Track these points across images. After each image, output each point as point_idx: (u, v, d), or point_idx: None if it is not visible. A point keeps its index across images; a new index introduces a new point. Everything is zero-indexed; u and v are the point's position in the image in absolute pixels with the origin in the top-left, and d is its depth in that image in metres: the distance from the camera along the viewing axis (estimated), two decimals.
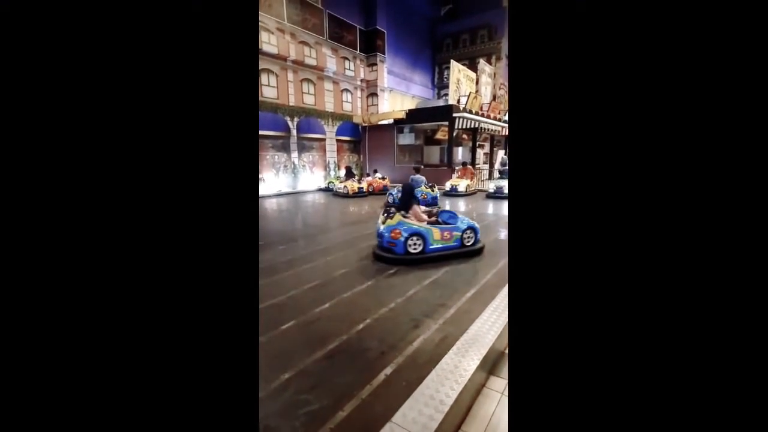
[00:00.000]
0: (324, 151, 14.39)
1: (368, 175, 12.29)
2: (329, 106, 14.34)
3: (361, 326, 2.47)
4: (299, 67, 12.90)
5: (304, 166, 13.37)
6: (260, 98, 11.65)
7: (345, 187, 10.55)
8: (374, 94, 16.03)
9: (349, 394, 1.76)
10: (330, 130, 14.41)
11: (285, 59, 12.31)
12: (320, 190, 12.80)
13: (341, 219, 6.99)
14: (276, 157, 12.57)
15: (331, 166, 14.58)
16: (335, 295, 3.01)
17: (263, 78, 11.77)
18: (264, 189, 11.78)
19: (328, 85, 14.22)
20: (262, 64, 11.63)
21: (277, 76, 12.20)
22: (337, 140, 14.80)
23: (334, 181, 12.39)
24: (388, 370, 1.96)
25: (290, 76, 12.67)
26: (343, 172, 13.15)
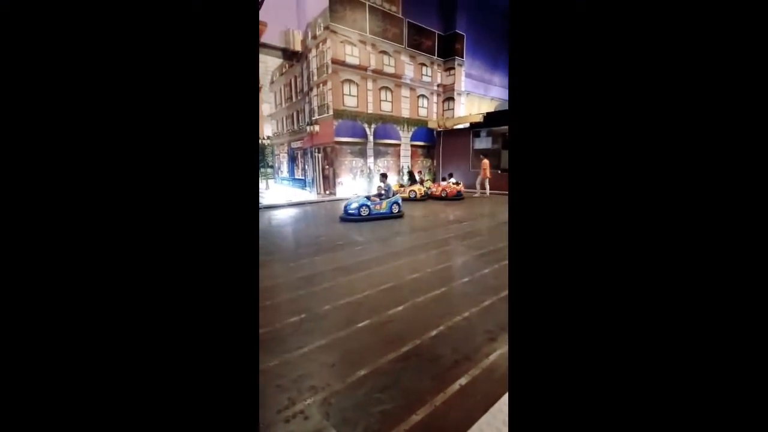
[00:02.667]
0: (398, 156, 14.66)
1: (444, 179, 12.15)
2: (405, 112, 14.57)
3: (434, 332, 2.44)
4: (378, 75, 13.39)
5: (379, 170, 13.78)
6: (342, 107, 12.40)
7: (414, 192, 10.64)
8: (450, 99, 15.83)
9: (422, 399, 1.75)
10: (405, 136, 14.64)
11: (365, 69, 12.90)
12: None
13: (411, 224, 7.02)
14: (354, 162, 13.21)
15: (404, 171, 14.78)
16: (408, 299, 3.03)
17: (345, 88, 12.49)
18: (341, 192, 12.46)
19: (405, 92, 14.48)
20: (344, 76, 12.38)
21: (357, 85, 12.84)
22: (412, 145, 14.95)
23: (406, 185, 12.54)
24: (462, 381, 1.90)
25: (369, 85, 13.23)
26: (406, 178, 13.20)
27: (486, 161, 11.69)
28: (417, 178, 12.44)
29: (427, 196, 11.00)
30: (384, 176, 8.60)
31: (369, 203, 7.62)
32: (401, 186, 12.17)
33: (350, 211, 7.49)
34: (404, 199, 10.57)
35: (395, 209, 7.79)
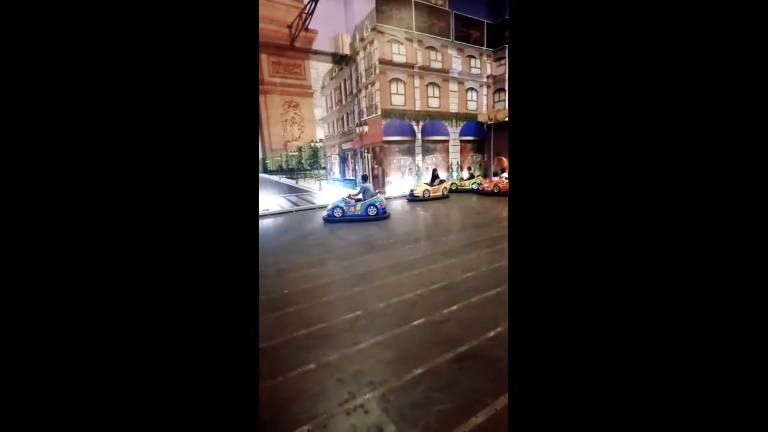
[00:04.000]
0: (447, 152, 14.39)
1: (495, 174, 11.69)
2: (453, 107, 14.25)
3: (491, 334, 2.37)
4: (425, 72, 13.26)
5: (427, 168, 13.66)
6: (389, 106, 12.49)
7: (427, 191, 10.44)
8: (501, 90, 15.13)
9: (481, 401, 1.72)
10: (453, 131, 14.32)
11: (412, 67, 12.84)
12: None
13: (462, 222, 6.85)
14: (402, 160, 13.25)
15: (454, 167, 14.46)
16: (462, 299, 2.98)
17: (392, 87, 12.56)
18: (390, 191, 12.57)
19: (453, 86, 14.16)
20: (391, 75, 12.45)
21: (404, 83, 12.83)
22: (461, 141, 14.58)
23: (456, 182, 12.27)
24: None
25: (417, 82, 13.15)
26: (466, 174, 12.86)
27: (504, 159, 10.96)
28: (443, 176, 12.09)
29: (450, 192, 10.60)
30: (364, 178, 8.20)
31: (343, 205, 7.52)
32: (461, 180, 11.99)
33: (327, 213, 7.52)
34: (420, 199, 10.21)
35: (372, 212, 7.47)
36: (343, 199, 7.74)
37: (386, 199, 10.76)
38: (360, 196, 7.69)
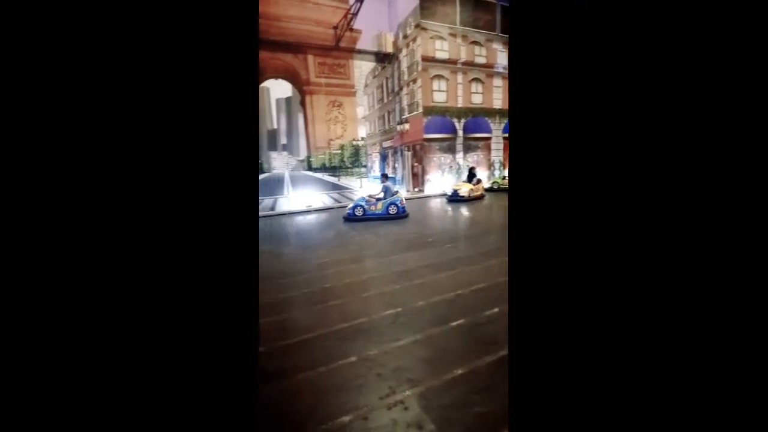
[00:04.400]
0: (489, 150, 13.96)
1: None
2: (497, 103, 13.77)
3: None
4: (468, 67, 12.94)
5: (467, 165, 13.36)
6: (431, 103, 12.36)
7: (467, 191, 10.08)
8: None
9: None
10: (497, 128, 13.85)
11: (455, 62, 12.59)
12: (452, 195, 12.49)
13: (502, 222, 6.62)
14: (442, 158, 13.07)
15: (496, 165, 13.99)
16: (503, 301, 2.90)
17: (434, 84, 12.41)
18: (429, 189, 12.47)
19: (497, 82, 13.68)
20: (434, 71, 12.30)
21: (447, 80, 12.62)
22: (504, 138, 14.05)
23: (499, 181, 11.86)
24: None
25: (459, 78, 12.88)
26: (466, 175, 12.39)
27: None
28: (482, 175, 11.63)
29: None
30: (384, 176, 8.14)
31: (364, 204, 7.54)
32: (503, 178, 11.60)
33: (348, 212, 7.49)
34: (465, 199, 9.63)
35: (392, 210, 7.51)
36: (363, 198, 7.84)
37: (425, 197, 10.68)
38: (381, 195, 7.73)
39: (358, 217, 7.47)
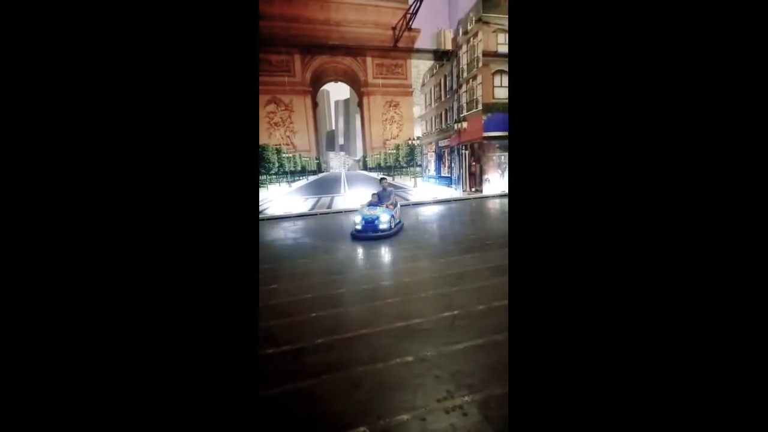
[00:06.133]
0: None
1: None
2: None
3: None
4: None
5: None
6: (492, 100, 11.86)
7: None
8: None
9: None
10: None
11: None
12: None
13: None
14: (502, 158, 12.47)
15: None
16: None
17: (495, 80, 11.88)
18: (487, 189, 11.97)
19: None
20: (495, 67, 11.79)
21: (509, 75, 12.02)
22: None
23: None
24: None
25: None
26: None
27: None
28: None
29: None
30: (383, 180, 6.45)
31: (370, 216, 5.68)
32: None
33: (356, 228, 5.68)
34: None
35: (383, 226, 5.56)
36: (365, 210, 5.95)
37: (484, 197, 10.27)
38: (377, 201, 6.27)
39: (365, 237, 5.59)
